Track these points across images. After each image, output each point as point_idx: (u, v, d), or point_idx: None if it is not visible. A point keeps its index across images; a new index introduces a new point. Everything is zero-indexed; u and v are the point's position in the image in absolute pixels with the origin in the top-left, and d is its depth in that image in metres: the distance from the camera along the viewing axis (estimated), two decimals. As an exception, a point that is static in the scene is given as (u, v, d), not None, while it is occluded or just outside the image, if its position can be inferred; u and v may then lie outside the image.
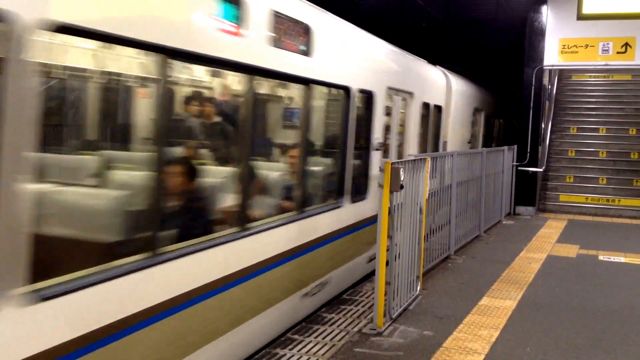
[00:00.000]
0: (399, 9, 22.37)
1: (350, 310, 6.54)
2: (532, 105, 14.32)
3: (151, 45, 3.85)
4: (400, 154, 9.50)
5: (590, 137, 16.13)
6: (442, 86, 12.11)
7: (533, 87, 14.25)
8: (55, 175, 4.56)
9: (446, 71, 12.69)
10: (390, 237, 5.89)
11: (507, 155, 12.72)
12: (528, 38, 14.51)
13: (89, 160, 5.09)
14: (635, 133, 15.74)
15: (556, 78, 17.30)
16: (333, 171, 7.37)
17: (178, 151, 5.09)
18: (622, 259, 9.45)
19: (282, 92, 7.21)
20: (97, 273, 3.52)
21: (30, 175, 3.00)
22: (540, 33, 14.13)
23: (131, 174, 4.84)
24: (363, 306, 6.66)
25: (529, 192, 14.25)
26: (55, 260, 3.59)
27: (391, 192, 5.75)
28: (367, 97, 7.84)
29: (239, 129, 5.32)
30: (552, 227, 12.31)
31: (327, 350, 5.37)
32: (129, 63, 5.14)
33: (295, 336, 5.71)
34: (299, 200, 6.21)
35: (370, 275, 7.78)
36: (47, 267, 3.28)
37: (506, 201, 13.15)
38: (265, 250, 5.42)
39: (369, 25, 8.65)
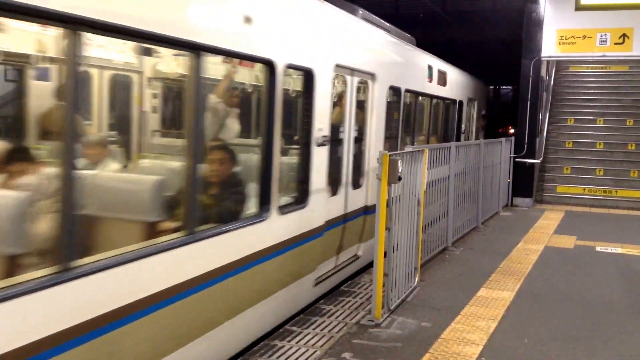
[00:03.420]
0: (395, 0, 22.33)
1: (349, 302, 6.55)
2: (529, 96, 14.30)
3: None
4: None
5: (588, 128, 16.13)
6: None
7: (531, 78, 14.22)
8: None
9: None
10: (388, 229, 5.89)
11: (504, 147, 12.72)
12: (526, 29, 14.48)
13: None
14: (633, 124, 15.75)
15: (554, 69, 17.28)
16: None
17: None
18: (619, 250, 9.48)
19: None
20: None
21: None
22: (537, 24, 14.09)
23: None
24: (361, 298, 6.67)
25: (527, 184, 14.26)
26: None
27: (389, 184, 5.75)
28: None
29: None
30: (550, 219, 12.33)
31: (326, 342, 5.38)
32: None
33: (294, 328, 5.72)
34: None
35: (367, 268, 7.80)
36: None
37: (503, 193, 13.15)
38: None
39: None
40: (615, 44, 13.45)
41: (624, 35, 13.38)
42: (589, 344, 5.55)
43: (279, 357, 5.07)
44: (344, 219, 7.31)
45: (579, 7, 13.65)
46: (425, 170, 6.99)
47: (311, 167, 6.18)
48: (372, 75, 7.99)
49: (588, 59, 15.57)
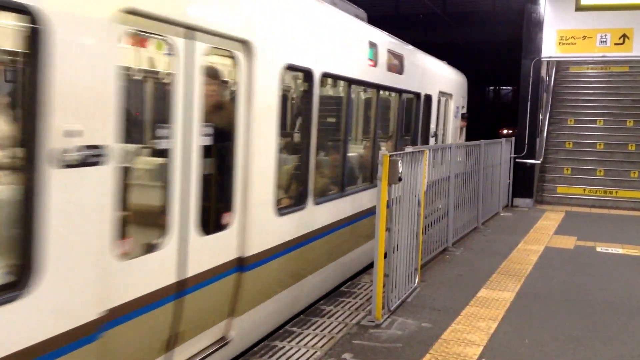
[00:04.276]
0: (395, 0, 22.36)
1: (349, 302, 6.54)
2: (529, 97, 14.31)
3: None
4: None
5: (588, 128, 16.13)
6: None
7: (531, 78, 14.23)
8: None
9: None
10: (388, 229, 5.89)
11: (504, 148, 12.72)
12: (526, 30, 14.49)
13: None
14: (633, 124, 15.74)
15: (554, 70, 17.29)
16: None
17: None
18: (620, 250, 9.47)
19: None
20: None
21: None
22: (537, 24, 14.10)
23: None
24: (361, 298, 6.67)
25: (527, 184, 14.26)
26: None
27: (389, 184, 5.75)
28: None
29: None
30: (550, 219, 12.32)
31: (326, 343, 5.37)
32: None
33: (294, 328, 5.72)
34: None
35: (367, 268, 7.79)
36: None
37: (504, 193, 13.15)
38: None
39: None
40: (616, 44, 13.45)
41: (624, 36, 13.38)
42: (590, 344, 5.54)
43: (279, 357, 5.07)
44: (178, 290, 4.31)
45: (579, 8, 13.66)
46: (425, 171, 6.99)
47: (42, 210, 3.16)
48: (245, 44, 4.92)
49: (588, 60, 15.57)
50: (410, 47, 10.16)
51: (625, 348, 5.50)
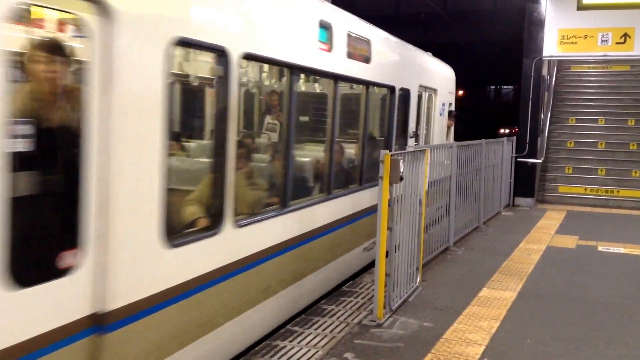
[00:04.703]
0: (395, 0, 22.37)
1: (350, 302, 6.53)
2: (531, 96, 14.30)
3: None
4: None
5: (589, 128, 16.12)
6: None
7: (532, 78, 14.22)
8: None
9: None
10: (389, 229, 5.88)
11: (506, 147, 12.71)
12: (527, 29, 14.48)
13: None
14: (634, 124, 15.73)
15: (555, 69, 17.29)
16: None
17: None
18: (622, 250, 9.46)
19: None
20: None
21: None
22: (539, 24, 14.09)
23: None
24: (363, 298, 6.66)
25: (528, 184, 14.25)
26: None
27: (391, 183, 5.75)
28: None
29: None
30: (551, 218, 12.31)
31: (327, 342, 5.37)
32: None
33: (295, 328, 5.71)
34: None
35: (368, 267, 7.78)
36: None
37: (505, 192, 13.14)
38: None
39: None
40: (617, 43, 13.44)
41: (625, 35, 13.37)
42: (592, 344, 5.53)
43: (280, 357, 5.06)
44: None
45: (580, 7, 13.64)
46: (427, 170, 6.97)
47: None
48: (100, 4, 3.42)
49: (589, 59, 15.57)
50: (382, 32, 8.66)
51: (627, 348, 5.49)
